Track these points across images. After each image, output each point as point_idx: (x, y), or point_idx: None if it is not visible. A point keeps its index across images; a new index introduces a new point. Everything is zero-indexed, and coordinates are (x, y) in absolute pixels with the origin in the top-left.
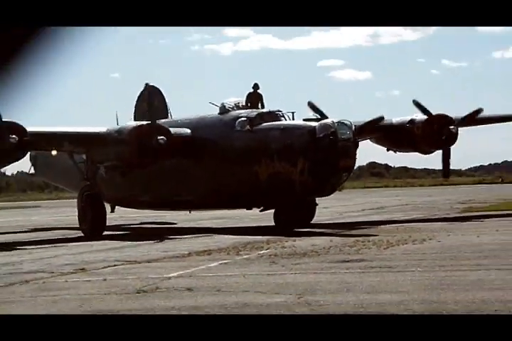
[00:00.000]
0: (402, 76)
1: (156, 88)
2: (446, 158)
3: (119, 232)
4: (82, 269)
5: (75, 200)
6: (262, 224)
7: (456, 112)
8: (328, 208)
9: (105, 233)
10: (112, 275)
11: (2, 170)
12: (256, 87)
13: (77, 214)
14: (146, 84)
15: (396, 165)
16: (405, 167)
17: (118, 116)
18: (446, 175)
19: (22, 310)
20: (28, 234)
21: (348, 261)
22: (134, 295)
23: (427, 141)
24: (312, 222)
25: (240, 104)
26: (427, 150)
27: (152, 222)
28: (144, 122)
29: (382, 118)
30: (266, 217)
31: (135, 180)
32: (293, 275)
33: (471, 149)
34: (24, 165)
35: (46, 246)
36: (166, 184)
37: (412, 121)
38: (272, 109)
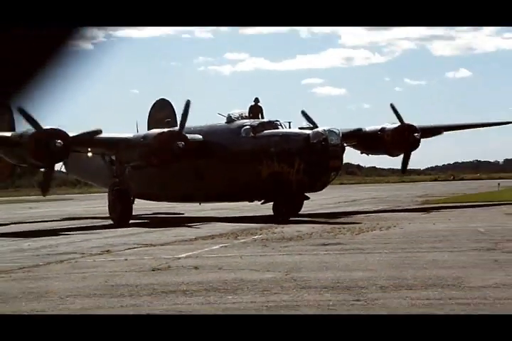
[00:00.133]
0: (372, 92)
1: (167, 100)
2: (406, 159)
3: (138, 221)
4: (108, 251)
5: (102, 194)
6: (259, 214)
7: (416, 122)
8: (311, 201)
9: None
10: (131, 256)
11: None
12: (257, 100)
13: (105, 205)
14: (161, 99)
15: (367, 165)
16: (374, 167)
17: (138, 124)
18: (404, 171)
19: (58, 284)
20: (62, 222)
21: (326, 245)
22: (149, 273)
23: (395, 146)
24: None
25: (244, 115)
26: (394, 154)
27: (164, 212)
28: (166, 129)
29: (360, 129)
30: (258, 208)
31: (156, 178)
32: (281, 256)
33: (428, 152)
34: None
35: (79, 232)
36: (182, 181)
37: (382, 129)
38: (271, 119)
